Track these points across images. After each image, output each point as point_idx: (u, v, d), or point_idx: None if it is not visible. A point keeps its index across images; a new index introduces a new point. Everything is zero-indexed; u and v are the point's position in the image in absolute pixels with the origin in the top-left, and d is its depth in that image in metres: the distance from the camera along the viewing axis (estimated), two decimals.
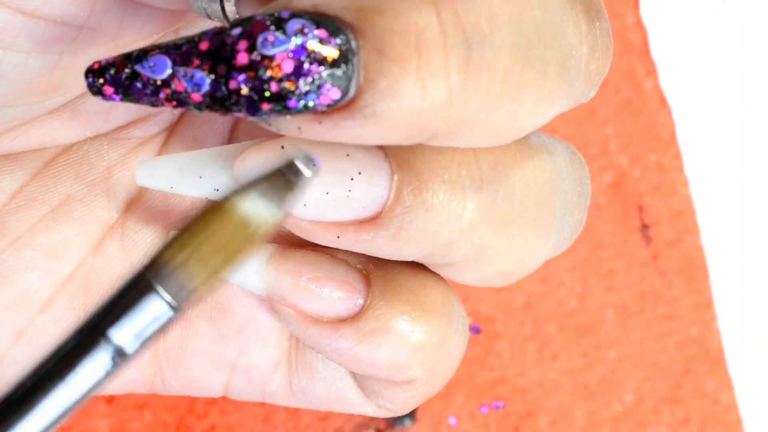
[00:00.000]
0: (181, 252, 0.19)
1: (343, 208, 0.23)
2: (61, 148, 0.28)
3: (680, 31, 0.44)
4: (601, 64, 0.24)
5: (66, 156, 0.28)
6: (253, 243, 0.19)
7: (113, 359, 0.19)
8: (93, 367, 0.19)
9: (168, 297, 0.19)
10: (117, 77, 0.20)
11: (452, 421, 0.40)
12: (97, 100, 0.23)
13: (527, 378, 0.41)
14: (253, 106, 0.20)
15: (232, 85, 0.19)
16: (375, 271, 0.25)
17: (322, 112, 0.20)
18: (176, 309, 0.19)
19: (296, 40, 0.19)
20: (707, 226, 0.43)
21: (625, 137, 0.42)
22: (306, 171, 0.19)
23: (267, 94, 0.19)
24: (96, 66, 0.21)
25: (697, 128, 0.44)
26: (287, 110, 0.20)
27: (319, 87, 0.19)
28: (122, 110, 0.28)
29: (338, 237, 0.24)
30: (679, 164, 0.43)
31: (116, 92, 0.20)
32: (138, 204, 0.28)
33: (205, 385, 0.29)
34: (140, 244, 0.28)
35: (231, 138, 0.28)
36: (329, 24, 0.20)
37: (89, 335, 0.19)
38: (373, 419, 0.40)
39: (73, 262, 0.28)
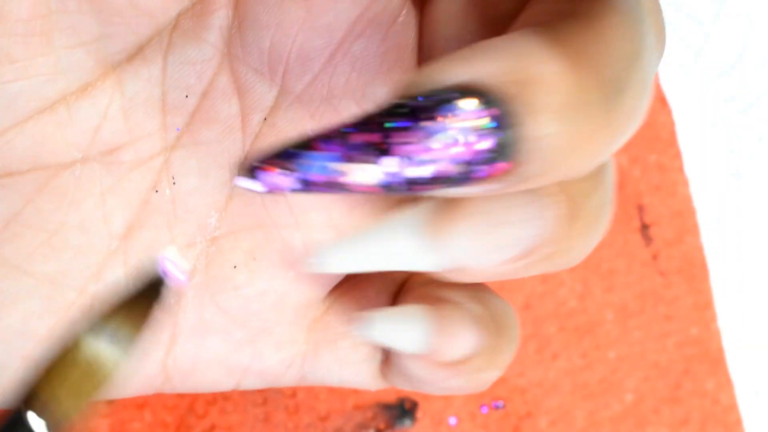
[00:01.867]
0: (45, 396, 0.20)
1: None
2: (51, 172, 0.28)
3: (680, 31, 0.44)
4: (662, 49, 0.24)
5: (57, 181, 0.28)
6: (107, 383, 0.20)
7: None
8: None
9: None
10: (285, 172, 0.20)
11: (452, 421, 0.40)
12: (82, 119, 0.25)
13: (527, 378, 0.41)
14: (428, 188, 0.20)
15: (401, 165, 0.19)
16: (485, 312, 0.27)
17: (485, 178, 0.20)
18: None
19: (462, 117, 0.19)
20: (707, 226, 0.43)
21: None
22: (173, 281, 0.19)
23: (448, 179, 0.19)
24: (246, 164, 0.20)
25: (697, 128, 0.44)
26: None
27: (486, 159, 0.19)
28: (108, 131, 0.28)
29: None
30: (679, 164, 0.43)
31: (286, 186, 0.20)
32: (139, 230, 0.28)
33: (215, 387, 0.30)
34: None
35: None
36: (489, 99, 0.19)
37: None
38: (373, 419, 0.40)
39: (74, 290, 0.28)
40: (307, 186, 0.19)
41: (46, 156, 0.27)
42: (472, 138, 0.19)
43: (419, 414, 0.40)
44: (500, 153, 0.19)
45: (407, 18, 0.26)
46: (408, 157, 0.19)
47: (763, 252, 0.44)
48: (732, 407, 0.42)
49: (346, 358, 0.30)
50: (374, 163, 0.19)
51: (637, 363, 0.42)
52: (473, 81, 0.19)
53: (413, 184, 0.19)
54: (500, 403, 0.40)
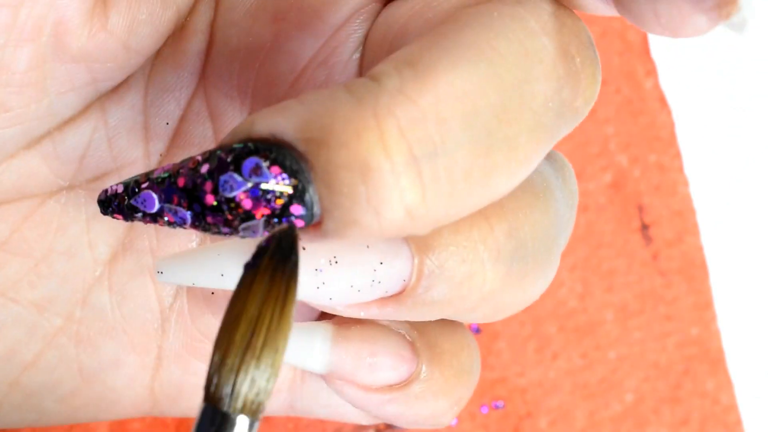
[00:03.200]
0: (235, 373, 0.20)
1: (368, 294, 0.24)
2: (37, 201, 0.28)
3: None
4: (588, 95, 0.23)
5: (44, 209, 0.28)
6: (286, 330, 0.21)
7: None
8: None
9: (245, 418, 0.21)
10: (121, 208, 0.23)
11: (452, 421, 0.40)
12: (67, 149, 0.26)
13: (527, 378, 0.41)
14: (232, 233, 0.22)
15: (209, 220, 0.22)
16: (420, 339, 0.27)
17: (300, 229, 0.21)
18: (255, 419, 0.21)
19: (253, 181, 0.21)
20: (707, 226, 0.43)
21: (625, 137, 0.42)
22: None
23: (239, 227, 0.21)
24: (103, 196, 0.23)
25: (697, 128, 0.44)
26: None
27: (285, 214, 0.21)
28: (94, 160, 0.28)
29: (362, 313, 0.25)
30: (679, 164, 0.43)
31: (125, 218, 0.23)
32: (123, 255, 0.29)
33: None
34: (129, 296, 0.29)
35: None
36: (284, 157, 0.21)
37: None
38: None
39: (61, 316, 0.28)
40: (143, 218, 0.23)
41: (33, 186, 0.28)
42: (263, 198, 0.21)
43: None
44: (299, 204, 0.21)
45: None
46: (209, 209, 0.22)
47: (763, 252, 0.43)
48: (732, 407, 0.42)
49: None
50: (184, 211, 0.22)
51: (637, 363, 0.42)
52: (274, 135, 0.21)
53: (218, 228, 0.22)
54: (500, 403, 0.40)
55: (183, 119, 0.28)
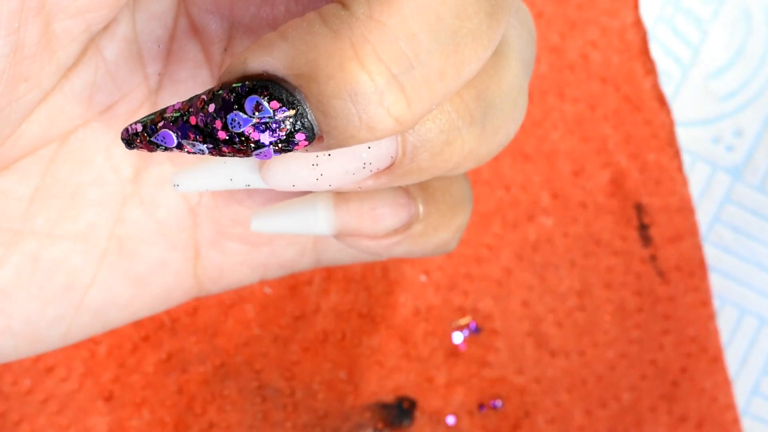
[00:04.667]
0: None
1: (361, 175, 0.27)
2: (57, 144, 0.30)
3: (679, 30, 0.44)
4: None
5: (65, 148, 0.30)
6: None
7: None
8: None
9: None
10: (144, 144, 0.26)
11: (450, 420, 0.40)
12: (75, 92, 0.29)
13: (525, 376, 0.41)
14: (247, 156, 0.25)
15: (225, 150, 0.25)
16: (412, 185, 0.30)
17: (306, 146, 0.25)
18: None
19: (257, 117, 0.24)
20: (706, 226, 0.43)
21: (624, 136, 0.42)
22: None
23: (252, 153, 0.25)
24: (125, 135, 0.26)
25: (696, 127, 0.44)
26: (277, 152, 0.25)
27: (290, 140, 0.24)
28: (101, 95, 0.30)
29: (359, 187, 0.28)
30: (678, 164, 0.43)
31: (151, 150, 0.26)
32: (146, 170, 0.31)
33: (243, 283, 0.34)
34: (159, 203, 0.32)
35: None
36: (280, 92, 0.24)
37: None
38: (371, 418, 0.40)
39: (105, 237, 0.31)
40: (166, 150, 0.26)
41: (52, 132, 0.30)
42: (268, 128, 0.24)
43: (417, 413, 0.40)
44: (299, 130, 0.24)
45: None
46: (223, 143, 0.25)
47: (762, 251, 0.44)
48: (730, 406, 0.42)
49: None
50: (201, 144, 0.25)
51: (635, 361, 0.42)
52: (266, 71, 0.24)
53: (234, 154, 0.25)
54: (498, 402, 0.41)
55: (172, 39, 0.30)
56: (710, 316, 0.42)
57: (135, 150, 0.27)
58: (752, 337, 0.43)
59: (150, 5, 0.30)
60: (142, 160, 0.31)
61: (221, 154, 0.25)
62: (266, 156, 0.25)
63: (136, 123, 0.26)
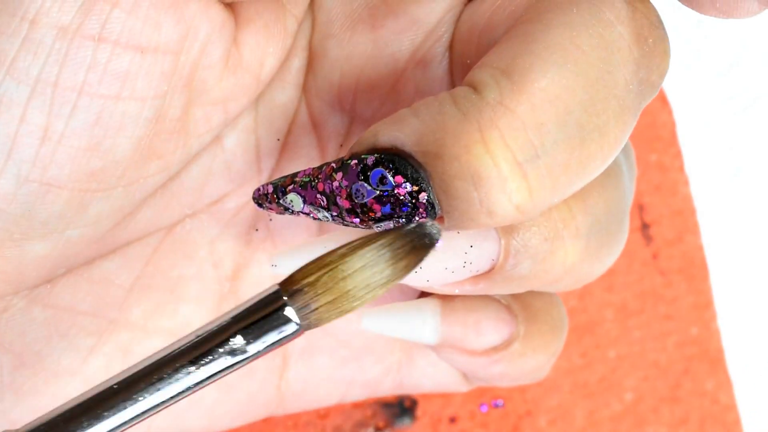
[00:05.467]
0: (319, 285, 0.23)
1: (460, 275, 0.27)
2: (164, 233, 0.30)
3: (680, 30, 0.44)
4: (662, 69, 0.26)
5: (170, 239, 0.30)
6: (378, 293, 0.23)
7: (234, 355, 0.23)
8: (220, 361, 0.23)
9: (296, 318, 0.23)
10: (273, 205, 0.27)
11: (452, 419, 0.40)
12: (191, 179, 0.29)
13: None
14: (368, 228, 0.25)
15: (347, 219, 0.25)
16: (514, 302, 0.30)
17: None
18: (300, 328, 0.23)
19: (380, 189, 0.24)
20: (707, 226, 0.43)
21: None
22: (437, 236, 0.24)
23: (374, 225, 0.25)
24: (256, 195, 0.27)
25: (697, 127, 0.44)
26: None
27: (413, 216, 0.24)
28: (214, 185, 0.30)
29: (456, 290, 0.28)
30: (680, 164, 0.43)
31: (279, 213, 0.27)
32: (247, 268, 0.31)
33: (323, 403, 0.34)
34: None
35: None
36: (405, 167, 0.24)
37: (223, 332, 0.23)
38: (372, 417, 0.40)
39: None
40: (293, 213, 0.26)
41: (162, 220, 0.30)
42: (390, 202, 0.24)
43: (419, 412, 0.40)
44: (424, 208, 0.24)
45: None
46: (347, 211, 0.25)
47: (763, 251, 0.44)
48: (731, 407, 0.42)
49: (437, 362, 0.33)
50: (324, 209, 0.25)
51: (636, 362, 0.42)
52: (394, 146, 0.24)
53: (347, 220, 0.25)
54: (500, 401, 0.40)
55: (289, 132, 0.30)
56: (712, 317, 0.42)
57: (264, 210, 0.27)
58: (754, 338, 0.43)
59: (274, 95, 0.29)
60: (243, 258, 0.31)
61: (344, 222, 0.25)
62: (386, 227, 0.25)
63: (267, 184, 0.26)
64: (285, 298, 0.23)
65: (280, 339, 0.23)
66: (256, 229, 0.31)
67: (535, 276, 0.27)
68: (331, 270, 0.23)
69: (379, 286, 0.23)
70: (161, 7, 0.25)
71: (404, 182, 0.24)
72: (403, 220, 0.24)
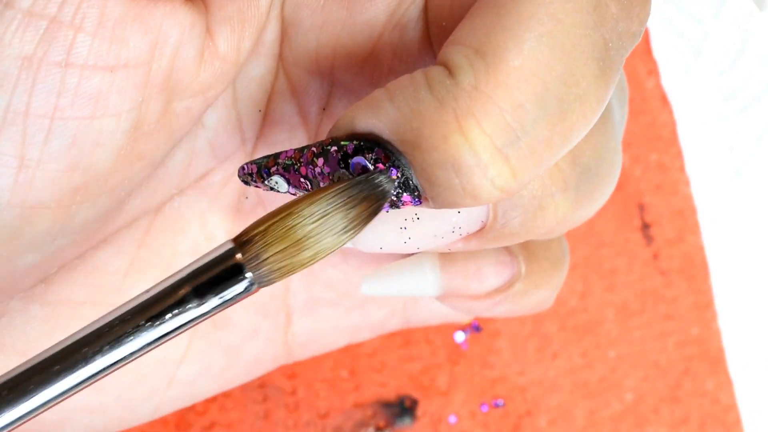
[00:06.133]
0: (269, 234, 0.23)
1: (450, 239, 0.27)
2: (153, 214, 0.30)
3: (681, 30, 0.44)
4: (642, 16, 0.25)
5: (160, 218, 0.30)
6: (331, 244, 0.23)
7: (186, 312, 0.22)
8: (178, 318, 0.22)
9: (250, 275, 0.22)
10: (261, 184, 0.26)
11: (452, 419, 0.40)
12: (176, 162, 0.29)
13: (527, 377, 0.41)
14: None
15: None
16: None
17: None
18: (254, 283, 0.22)
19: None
20: (708, 226, 0.43)
21: (626, 136, 0.42)
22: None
23: None
24: (240, 174, 0.27)
25: (698, 127, 0.44)
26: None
27: (398, 201, 0.24)
28: (199, 163, 0.30)
29: (449, 249, 0.27)
30: (680, 163, 0.43)
31: (266, 190, 0.26)
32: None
33: (332, 347, 0.34)
34: None
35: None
36: (384, 154, 0.23)
37: (177, 290, 0.23)
38: (373, 417, 0.40)
39: None
40: (279, 192, 0.26)
41: (150, 204, 0.29)
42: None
43: (419, 412, 0.40)
44: (407, 192, 0.24)
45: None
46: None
47: (764, 251, 0.44)
48: (731, 407, 0.42)
49: None
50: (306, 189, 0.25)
51: (637, 362, 0.42)
52: (372, 132, 0.24)
53: None
54: (500, 401, 0.40)
55: (269, 102, 0.30)
56: (712, 317, 0.42)
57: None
58: (754, 339, 0.43)
59: (250, 69, 0.29)
60: (236, 227, 0.31)
61: None
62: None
63: (251, 163, 0.26)
64: (238, 255, 0.22)
65: (234, 296, 0.22)
66: (246, 197, 0.31)
67: (527, 231, 0.27)
68: (281, 219, 0.22)
69: (331, 234, 0.23)
70: (126, 22, 0.24)
71: (387, 167, 0.24)
72: (387, 205, 0.24)
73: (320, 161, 0.24)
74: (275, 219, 0.23)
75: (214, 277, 0.22)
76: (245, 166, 0.27)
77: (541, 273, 0.30)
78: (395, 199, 0.24)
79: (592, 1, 0.23)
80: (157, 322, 0.22)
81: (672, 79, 0.44)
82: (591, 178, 0.27)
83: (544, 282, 0.30)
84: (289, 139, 0.30)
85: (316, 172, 0.25)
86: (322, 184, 0.24)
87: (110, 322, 0.22)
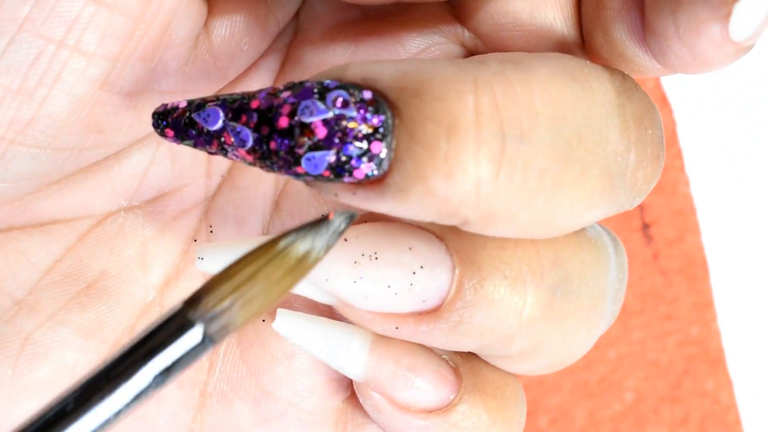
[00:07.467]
0: (223, 290, 0.20)
1: (404, 301, 0.23)
2: (95, 220, 0.27)
3: None
4: (649, 173, 0.23)
5: (100, 229, 0.27)
6: (294, 284, 0.20)
7: (149, 385, 0.20)
8: (130, 389, 0.20)
9: (205, 330, 0.20)
10: (177, 122, 0.22)
11: None
12: (131, 165, 0.26)
13: (527, 376, 0.41)
14: (288, 167, 0.21)
15: (272, 145, 0.21)
16: (463, 365, 0.26)
17: (357, 183, 0.21)
18: (212, 342, 0.20)
19: (335, 111, 0.20)
20: (708, 226, 0.43)
21: None
22: (341, 222, 0.20)
23: (295, 163, 0.20)
24: (161, 109, 0.22)
25: (697, 128, 0.44)
26: (322, 177, 0.21)
27: (351, 159, 0.20)
28: (155, 177, 0.27)
29: (397, 328, 0.24)
30: (680, 164, 0.43)
31: (176, 136, 0.22)
32: (177, 281, 0.28)
33: None
34: None
35: (272, 215, 0.28)
36: (373, 104, 0.20)
37: (130, 361, 0.20)
38: None
39: (109, 341, 0.27)
40: (198, 137, 0.22)
41: (93, 204, 0.27)
42: (339, 131, 0.20)
43: None
44: (367, 156, 0.20)
45: None
46: (278, 132, 0.21)
47: (763, 252, 0.44)
48: (731, 407, 0.42)
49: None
50: (249, 130, 0.21)
51: (637, 362, 0.42)
52: (366, 80, 0.20)
53: (277, 157, 0.21)
54: None
55: None
56: (712, 317, 0.42)
57: (162, 138, 0.23)
58: (754, 338, 0.43)
59: (237, 90, 0.27)
60: (176, 268, 0.28)
61: (262, 152, 0.21)
62: (308, 174, 0.21)
63: (181, 101, 0.22)
64: (196, 321, 0.20)
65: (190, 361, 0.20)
66: (195, 240, 0.28)
67: (487, 327, 0.23)
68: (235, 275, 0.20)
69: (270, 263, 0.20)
70: None
71: (366, 112, 0.20)
72: (335, 157, 0.20)
73: (286, 93, 0.21)
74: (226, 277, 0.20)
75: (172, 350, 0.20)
76: (169, 102, 0.23)
77: (486, 413, 0.25)
78: (353, 164, 0.20)
79: (620, 109, 0.22)
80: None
81: (672, 79, 0.44)
82: (570, 295, 0.24)
83: (488, 425, 0.25)
84: (255, 186, 0.28)
85: (274, 103, 0.21)
86: (279, 119, 0.20)
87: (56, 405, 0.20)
